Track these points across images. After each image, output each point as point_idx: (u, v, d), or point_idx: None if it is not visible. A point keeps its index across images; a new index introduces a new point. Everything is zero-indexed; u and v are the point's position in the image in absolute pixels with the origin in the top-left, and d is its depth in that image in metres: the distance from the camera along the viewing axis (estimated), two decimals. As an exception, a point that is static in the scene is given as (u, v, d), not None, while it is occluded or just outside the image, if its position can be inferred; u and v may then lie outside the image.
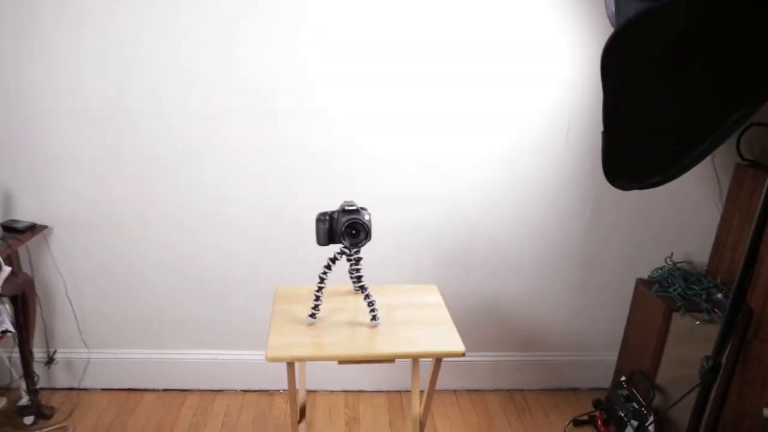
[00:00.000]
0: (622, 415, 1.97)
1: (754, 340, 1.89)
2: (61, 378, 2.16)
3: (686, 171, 1.20)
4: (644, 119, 1.17)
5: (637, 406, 1.94)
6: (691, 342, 1.92)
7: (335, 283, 1.52)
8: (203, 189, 1.94)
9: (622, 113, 1.16)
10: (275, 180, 1.94)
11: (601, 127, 1.17)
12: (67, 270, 2.01)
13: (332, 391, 2.23)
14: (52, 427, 1.98)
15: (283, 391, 2.22)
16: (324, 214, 1.35)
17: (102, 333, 2.11)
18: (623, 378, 2.08)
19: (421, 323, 1.45)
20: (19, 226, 1.87)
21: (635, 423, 1.92)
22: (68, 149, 1.86)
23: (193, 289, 2.07)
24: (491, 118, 1.91)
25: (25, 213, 1.92)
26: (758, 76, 1.12)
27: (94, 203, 1.93)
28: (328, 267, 1.37)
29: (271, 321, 1.42)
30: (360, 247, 1.31)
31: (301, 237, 1.95)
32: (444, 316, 1.49)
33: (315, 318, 1.40)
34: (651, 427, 1.89)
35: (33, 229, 1.88)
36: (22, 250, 1.94)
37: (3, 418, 2.02)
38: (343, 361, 1.33)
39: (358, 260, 1.37)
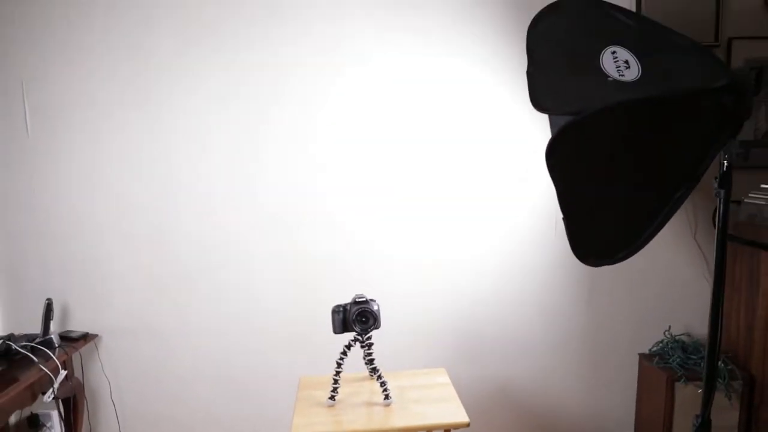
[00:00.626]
0: (642, 491, 2.00)
1: (761, 406, 1.96)
2: (104, 482, 2.29)
3: (647, 243, 1.37)
4: (597, 203, 1.38)
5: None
6: (697, 410, 1.99)
7: (353, 370, 1.70)
8: (233, 297, 2.18)
9: (577, 200, 1.36)
10: (296, 282, 2.17)
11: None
12: (113, 375, 2.22)
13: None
14: None
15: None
16: (338, 306, 1.57)
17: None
18: (641, 454, 2.13)
19: (431, 400, 1.60)
20: (74, 335, 2.11)
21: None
22: (117, 268, 2.14)
23: (226, 388, 2.24)
24: (487, 216, 2.16)
25: (78, 323, 2.18)
26: (689, 161, 1.33)
27: (138, 314, 2.18)
28: (344, 353, 1.57)
29: (296, 406, 1.60)
30: (370, 332, 1.51)
31: (320, 329, 2.15)
32: (450, 393, 1.65)
33: (334, 400, 1.57)
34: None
35: (85, 337, 2.12)
36: (75, 358, 2.16)
37: None
38: (361, 438, 1.48)
39: (370, 345, 1.57)
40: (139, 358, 2.21)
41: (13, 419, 2.23)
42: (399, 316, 2.17)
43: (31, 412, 2.21)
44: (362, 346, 1.58)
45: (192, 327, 2.19)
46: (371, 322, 1.50)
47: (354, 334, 1.55)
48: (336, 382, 1.57)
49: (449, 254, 2.17)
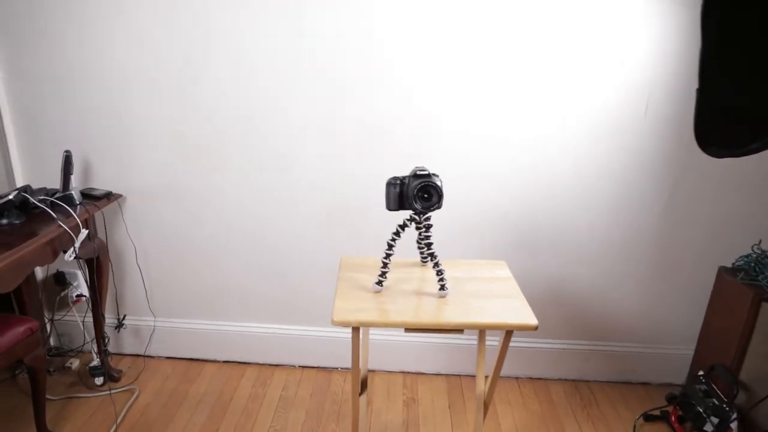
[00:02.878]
0: (701, 410, 1.84)
1: None
2: (129, 344, 2.23)
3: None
4: (749, 70, 1.07)
5: (717, 403, 1.81)
6: (781, 335, 1.77)
7: (401, 256, 1.49)
8: (270, 165, 1.95)
9: (723, 61, 1.06)
10: (341, 155, 1.92)
11: (687, 95, 1.08)
12: (138, 239, 2.07)
13: (391, 372, 2.21)
14: (120, 389, 2.05)
15: (341, 369, 2.21)
16: (395, 178, 1.32)
17: (168, 302, 2.16)
18: (701, 372, 1.95)
19: (491, 296, 1.39)
20: (96, 193, 1.94)
21: (715, 420, 1.80)
22: (143, 124, 1.91)
23: (256, 263, 2.08)
24: (564, 94, 1.83)
25: (102, 182, 1.99)
26: None
27: (166, 175, 1.98)
28: (397, 233, 1.34)
29: (337, 287, 1.41)
30: (432, 212, 1.27)
31: (366, 206, 1.93)
32: (514, 289, 1.43)
33: (382, 285, 1.37)
34: (734, 425, 1.76)
35: (109, 197, 1.95)
36: (98, 217, 2.01)
37: (76, 378, 2.10)
38: (409, 329, 1.29)
39: (429, 227, 1.33)
40: (166, 223, 2.05)
41: (40, 275, 2.14)
42: (454, 200, 1.93)
43: (57, 270, 2.11)
44: (418, 227, 1.35)
45: (223, 195, 1.99)
46: (435, 199, 1.25)
47: (410, 213, 1.32)
48: (385, 265, 1.36)
49: (517, 131, 1.88)
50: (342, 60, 1.81)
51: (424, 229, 1.35)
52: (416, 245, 1.46)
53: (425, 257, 1.50)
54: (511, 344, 1.42)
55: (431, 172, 1.29)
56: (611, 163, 1.90)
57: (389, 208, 1.33)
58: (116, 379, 2.09)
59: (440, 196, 1.25)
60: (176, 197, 2.01)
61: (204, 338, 2.20)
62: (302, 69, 1.83)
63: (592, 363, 2.16)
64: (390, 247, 1.35)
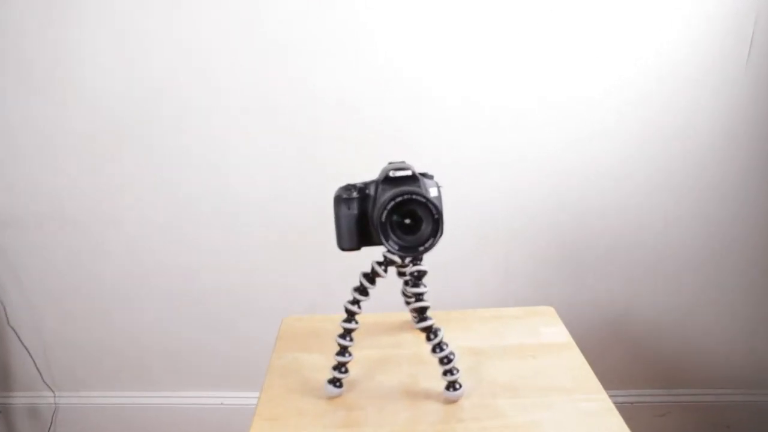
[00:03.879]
0: None
1: None
2: (25, 430, 1.62)
3: None
4: None
5: None
6: None
7: (381, 304, 0.86)
8: (198, 173, 1.33)
9: None
10: (295, 148, 1.30)
11: None
12: (13, 287, 1.45)
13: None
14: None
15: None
16: (349, 188, 0.69)
17: (72, 370, 1.55)
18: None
19: (543, 389, 0.76)
20: (-64, 229, 1.33)
21: None
22: (10, 128, 1.29)
23: (188, 310, 1.47)
24: (617, 31, 1.19)
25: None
26: None
27: (53, 196, 1.36)
28: (362, 290, 0.71)
29: (263, 387, 0.79)
30: (423, 252, 0.62)
31: (327, 232, 1.30)
32: (581, 369, 0.81)
33: (340, 386, 0.75)
34: None
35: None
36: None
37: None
38: (396, 479, 0.67)
39: (420, 276, 0.70)
40: (50, 262, 1.43)
41: None
42: (460, 200, 1.30)
43: None
44: (401, 274, 0.73)
45: (135, 219, 1.38)
46: (426, 227, 0.62)
47: (384, 251, 0.68)
48: (344, 351, 0.73)
49: (553, 92, 1.25)
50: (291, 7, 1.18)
51: (410, 279, 0.71)
52: (402, 295, 0.84)
53: (419, 327, 0.87)
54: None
55: (415, 170, 0.66)
56: (692, 134, 1.26)
57: (342, 245, 0.69)
58: (-1, 488, 1.49)
59: (436, 221, 0.61)
60: (64, 223, 1.39)
61: (128, 416, 1.59)
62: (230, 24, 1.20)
63: (670, 419, 1.54)
64: (350, 315, 0.72)
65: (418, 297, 0.70)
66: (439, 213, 0.60)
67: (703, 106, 1.24)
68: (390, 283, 0.77)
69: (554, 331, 0.90)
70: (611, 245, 1.37)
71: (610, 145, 1.28)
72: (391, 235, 0.60)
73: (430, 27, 1.20)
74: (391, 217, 0.60)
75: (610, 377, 1.46)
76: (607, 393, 1.49)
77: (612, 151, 1.28)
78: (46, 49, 1.24)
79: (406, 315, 0.91)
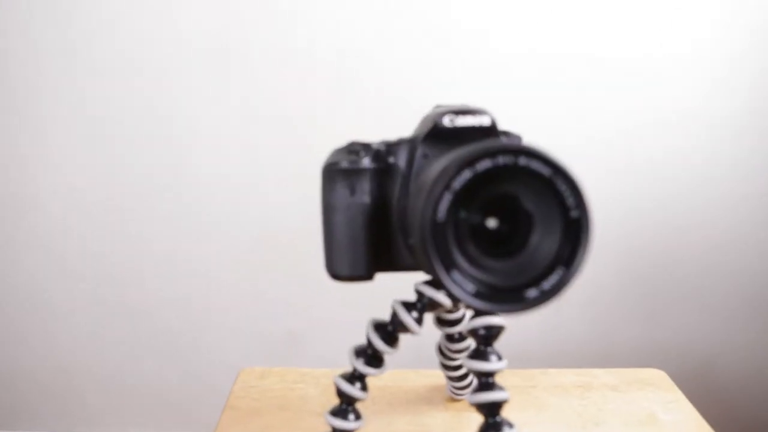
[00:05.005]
0: None
1: None
2: None
3: None
4: None
5: None
6: None
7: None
8: (143, 151, 0.98)
9: None
10: (278, 119, 0.95)
11: None
12: None
13: None
14: None
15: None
16: (356, 149, 0.33)
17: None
18: None
19: None
20: None
21: None
22: None
23: (131, 329, 1.11)
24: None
25: None
26: None
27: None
28: (371, 357, 0.35)
29: None
30: (541, 303, 0.26)
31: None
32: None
33: None
34: None
35: None
36: None
37: None
38: None
39: (492, 336, 0.34)
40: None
41: None
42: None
43: None
44: (445, 326, 0.38)
45: (52, 204, 1.03)
46: (545, 236, 0.25)
47: (421, 277, 0.33)
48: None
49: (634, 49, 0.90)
50: None
51: (461, 342, 0.36)
52: (437, 353, 0.48)
53: (461, 390, 0.51)
54: None
55: (498, 125, 0.31)
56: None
57: (336, 269, 0.33)
58: None
59: (576, 224, 0.25)
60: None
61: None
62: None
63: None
64: (345, 406, 0.37)
65: (486, 379, 0.34)
66: (583, 203, 0.24)
67: None
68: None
69: (680, 418, 0.54)
70: (698, 270, 1.02)
71: (697, 134, 0.93)
72: (459, 261, 0.24)
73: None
74: (459, 213, 0.25)
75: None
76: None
77: (698, 144, 0.94)
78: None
79: (439, 377, 0.55)
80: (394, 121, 0.51)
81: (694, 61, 0.92)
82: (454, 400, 0.53)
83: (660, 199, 0.99)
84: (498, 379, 0.36)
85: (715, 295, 1.05)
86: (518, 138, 0.36)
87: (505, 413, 0.36)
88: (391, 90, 0.93)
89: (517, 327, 0.88)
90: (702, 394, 1.09)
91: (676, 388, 0.59)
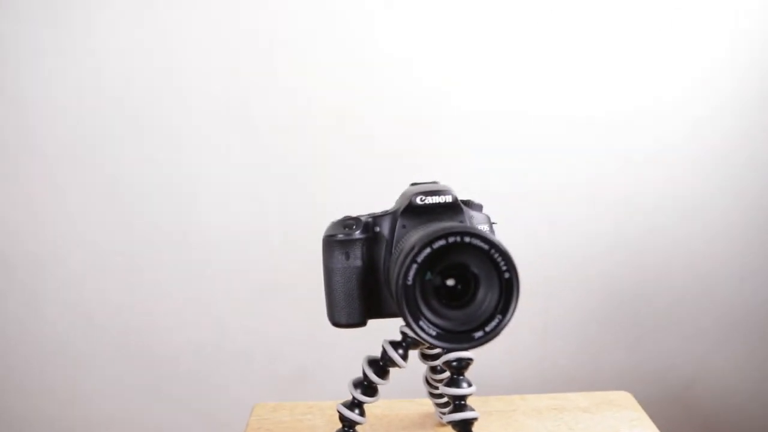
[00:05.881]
0: None
1: None
2: None
3: None
4: None
5: None
6: None
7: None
8: (153, 206, 1.07)
9: None
10: (281, 174, 1.05)
11: None
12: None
13: None
14: None
15: None
16: (349, 223, 0.43)
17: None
18: None
19: None
20: None
21: None
22: None
23: (140, 376, 1.18)
24: (687, 45, 0.96)
25: None
26: None
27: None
28: (367, 388, 0.44)
29: None
30: (483, 342, 0.35)
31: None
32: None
33: None
34: None
35: None
36: None
37: None
38: None
39: (462, 367, 0.43)
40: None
41: None
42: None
43: None
44: (428, 360, 0.47)
45: (61, 257, 1.11)
46: (486, 292, 0.35)
47: (404, 328, 0.42)
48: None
49: (597, 107, 1.00)
50: None
51: (451, 371, 0.45)
52: (424, 384, 0.57)
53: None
54: None
55: (458, 196, 0.41)
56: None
57: (336, 319, 0.43)
58: None
59: (508, 284, 0.35)
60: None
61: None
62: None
63: None
64: (346, 428, 0.45)
65: (459, 402, 0.43)
66: (512, 268, 0.34)
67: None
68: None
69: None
70: (675, 299, 1.10)
71: (676, 170, 1.03)
72: (424, 310, 0.34)
73: (451, 27, 0.97)
74: (424, 275, 0.34)
75: None
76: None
77: (678, 178, 1.03)
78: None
79: (429, 405, 0.64)
80: (384, 171, 0.61)
81: (671, 106, 1.02)
82: (442, 424, 0.61)
83: (641, 235, 1.08)
84: (471, 402, 0.45)
85: (693, 323, 1.12)
86: (479, 207, 0.46)
87: None
88: (381, 146, 1.03)
89: (507, 356, 0.97)
90: (682, 416, 1.17)
91: (640, 408, 0.67)
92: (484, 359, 1.06)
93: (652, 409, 0.98)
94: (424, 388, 0.57)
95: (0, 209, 1.09)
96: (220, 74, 1.01)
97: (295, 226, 1.06)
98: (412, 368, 0.56)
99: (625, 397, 0.69)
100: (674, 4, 0.96)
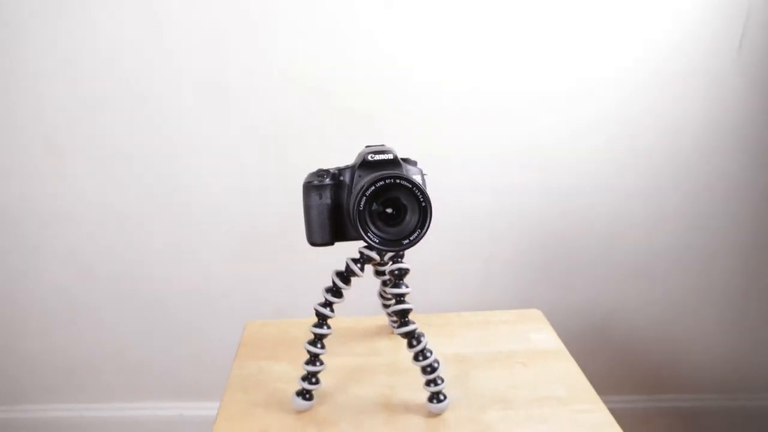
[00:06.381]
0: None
1: None
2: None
3: None
4: None
5: None
6: None
7: (355, 307, 0.77)
8: (146, 162, 1.22)
9: None
10: (259, 135, 1.20)
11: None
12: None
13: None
14: None
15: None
16: (321, 174, 0.60)
17: (8, 383, 1.41)
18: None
19: (536, 400, 0.69)
20: None
21: None
22: None
23: (143, 315, 1.35)
24: (607, 25, 1.14)
25: None
26: None
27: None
28: (335, 292, 0.63)
29: (222, 401, 0.69)
30: (408, 246, 0.54)
31: (293, 229, 1.21)
32: (576, 377, 0.74)
33: (310, 399, 0.66)
34: None
35: None
36: None
37: None
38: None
39: (402, 275, 0.62)
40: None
41: None
42: (438, 205, 1.21)
43: None
44: (378, 274, 0.65)
45: (67, 215, 1.26)
46: (411, 215, 0.54)
47: (360, 245, 0.60)
48: (315, 359, 0.64)
49: (530, 89, 1.18)
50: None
51: (391, 280, 0.63)
52: (378, 297, 0.75)
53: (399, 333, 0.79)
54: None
55: (398, 154, 0.58)
56: (682, 134, 1.22)
57: (313, 240, 0.61)
58: None
59: (424, 210, 0.53)
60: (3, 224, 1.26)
61: (75, 430, 1.45)
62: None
63: (651, 426, 1.49)
64: (322, 320, 0.63)
65: (399, 299, 0.62)
66: (427, 200, 0.52)
67: (693, 102, 1.19)
68: (366, 283, 0.68)
69: (545, 337, 0.83)
70: (598, 246, 1.32)
71: (598, 141, 1.22)
72: (371, 227, 0.52)
73: (415, 5, 1.13)
74: (371, 205, 0.52)
75: (594, 381, 1.41)
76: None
77: (599, 148, 1.23)
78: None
79: (384, 319, 0.83)
80: (346, 135, 0.77)
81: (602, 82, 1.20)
82: (393, 333, 0.80)
83: (568, 194, 1.27)
84: (413, 317, 0.63)
85: (611, 266, 1.34)
86: (414, 162, 0.64)
87: (428, 342, 0.62)
88: (345, 113, 1.19)
89: (453, 296, 1.17)
90: (601, 343, 1.40)
91: (545, 320, 0.87)
92: (439, 299, 1.27)
93: (577, 338, 1.22)
94: (380, 307, 0.76)
95: (6, 173, 1.22)
96: (201, 49, 1.14)
97: (272, 182, 1.22)
98: (370, 292, 0.74)
99: (536, 313, 0.89)
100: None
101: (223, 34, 1.14)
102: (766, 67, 1.16)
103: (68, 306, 1.34)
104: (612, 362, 1.43)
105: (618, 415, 1.42)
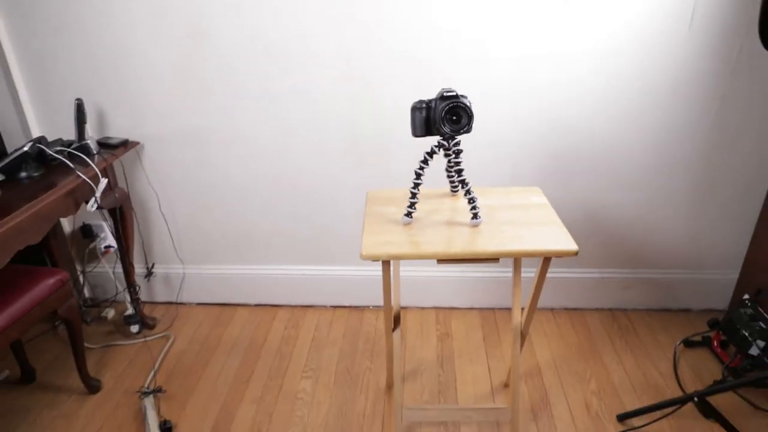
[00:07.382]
0: (746, 334, 1.77)
1: None
2: (160, 292, 2.24)
3: None
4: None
5: (764, 326, 1.74)
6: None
7: (430, 186, 1.42)
8: (289, 101, 1.86)
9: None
10: (365, 84, 1.82)
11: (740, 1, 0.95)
12: (159, 186, 2.03)
13: (423, 308, 2.18)
14: (155, 336, 2.07)
15: (373, 307, 2.19)
16: (421, 101, 1.23)
17: (195, 249, 2.15)
18: (747, 296, 1.87)
19: (527, 223, 1.32)
20: (113, 142, 1.89)
21: (762, 343, 1.73)
22: (155, 67, 1.83)
23: (282, 205, 2.04)
24: (596, 3, 1.68)
25: (117, 130, 1.94)
26: None
27: (182, 120, 1.91)
28: (425, 161, 1.26)
29: (365, 222, 1.35)
30: (462, 134, 1.18)
31: (392, 146, 1.85)
32: (551, 215, 1.36)
33: (411, 217, 1.31)
34: (783, 347, 1.69)
35: (126, 144, 1.90)
36: (117, 167, 1.97)
37: (112, 327, 2.13)
38: (442, 260, 1.24)
39: (458, 152, 1.25)
40: (187, 169, 2.00)
41: (68, 228, 2.14)
42: (484, 126, 1.83)
43: (83, 223, 2.10)
44: (447, 154, 1.27)
45: (241, 136, 1.93)
46: (464, 121, 1.17)
47: (438, 138, 1.23)
48: (414, 195, 1.29)
49: (549, 48, 1.74)
50: (356, -18, 1.68)
51: (453, 155, 1.26)
52: (445, 174, 1.39)
53: (455, 186, 1.43)
54: (546, 275, 1.36)
55: (459, 93, 1.20)
56: (652, 82, 1.76)
57: (415, 134, 1.24)
58: (151, 327, 2.12)
59: (470, 117, 1.16)
60: (194, 141, 1.95)
61: (234, 283, 2.20)
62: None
63: (630, 292, 2.10)
64: (418, 176, 1.28)
65: (458, 164, 1.25)
66: (471, 112, 1.14)
67: (659, 58, 1.73)
68: (436, 176, 1.31)
69: (539, 199, 1.45)
70: (592, 159, 1.90)
71: (588, 86, 1.79)
72: (446, 124, 1.15)
73: (471, 4, 1.70)
74: (445, 114, 1.15)
75: (588, 257, 2.07)
76: (585, 269, 2.17)
77: (589, 92, 1.79)
78: (180, 8, 1.76)
79: (447, 189, 1.46)
80: (427, 80, 1.38)
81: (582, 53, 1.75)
82: (452, 195, 1.44)
83: (570, 116, 1.85)
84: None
85: (604, 171, 1.92)
86: (466, 96, 1.25)
87: (471, 185, 1.26)
88: (427, 69, 1.79)
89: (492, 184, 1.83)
90: (594, 229, 1.99)
91: (542, 193, 1.49)
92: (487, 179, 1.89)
93: (577, 225, 1.87)
94: (446, 184, 1.39)
95: (205, 114, 1.89)
96: (326, 28, 1.76)
97: (370, 109, 1.85)
98: (440, 179, 1.37)
99: (537, 189, 1.50)
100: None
101: (340, 17, 1.75)
102: (707, 38, 1.68)
103: (236, 198, 2.05)
104: (603, 244, 2.03)
105: (607, 282, 2.19)
